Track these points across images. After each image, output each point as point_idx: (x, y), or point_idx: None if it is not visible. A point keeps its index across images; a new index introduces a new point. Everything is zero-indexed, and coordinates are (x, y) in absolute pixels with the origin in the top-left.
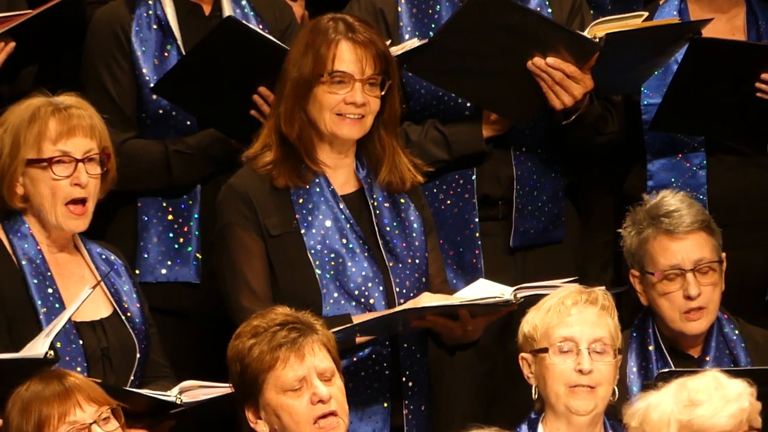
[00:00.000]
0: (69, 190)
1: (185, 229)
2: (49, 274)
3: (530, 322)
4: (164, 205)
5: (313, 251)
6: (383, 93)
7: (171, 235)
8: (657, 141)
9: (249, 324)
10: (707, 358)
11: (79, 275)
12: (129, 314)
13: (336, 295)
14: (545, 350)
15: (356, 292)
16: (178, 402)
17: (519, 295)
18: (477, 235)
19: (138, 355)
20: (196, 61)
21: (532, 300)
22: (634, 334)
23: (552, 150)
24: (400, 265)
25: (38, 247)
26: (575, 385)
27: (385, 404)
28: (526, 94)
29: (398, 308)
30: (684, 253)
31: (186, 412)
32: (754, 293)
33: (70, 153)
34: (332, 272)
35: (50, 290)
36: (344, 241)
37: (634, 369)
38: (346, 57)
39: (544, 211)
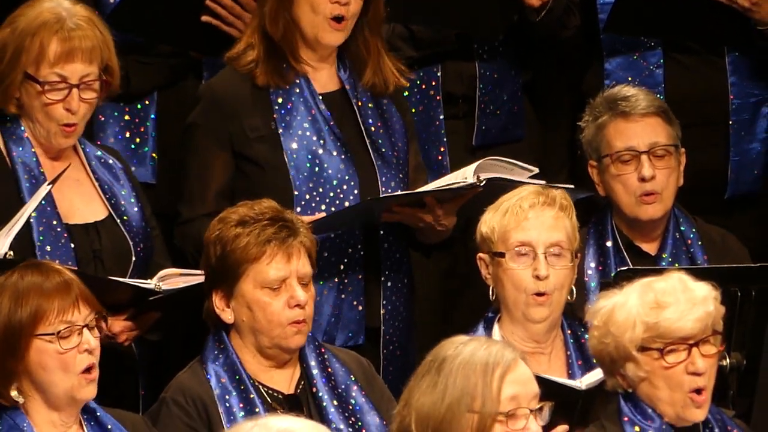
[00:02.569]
0: (61, 113)
1: (141, 129)
2: (42, 177)
3: (488, 223)
4: (120, 104)
5: (289, 152)
6: None
7: (127, 135)
8: (613, 40)
9: (235, 211)
10: (664, 255)
11: (74, 179)
12: (126, 218)
13: (308, 197)
14: (502, 255)
15: (330, 194)
16: (157, 289)
17: (482, 177)
18: (442, 132)
19: (134, 258)
20: None
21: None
22: (592, 231)
23: (512, 49)
24: (387, 165)
25: (33, 150)
26: (532, 292)
27: (360, 307)
28: (497, 7)
29: (360, 202)
30: (639, 136)
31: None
32: (712, 193)
33: (67, 78)
34: (306, 173)
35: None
36: (322, 142)
37: (592, 265)
38: None
39: (505, 109)
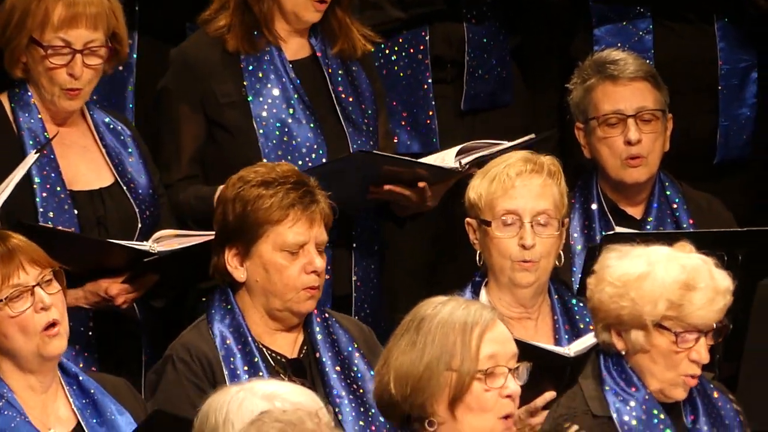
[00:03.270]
0: (64, 78)
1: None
2: (45, 142)
3: (475, 190)
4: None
5: (258, 119)
6: None
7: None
8: (603, 7)
9: (255, 171)
10: (649, 219)
11: (81, 145)
12: (133, 185)
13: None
14: (488, 223)
15: (299, 163)
16: (152, 251)
17: (464, 162)
18: (431, 95)
19: (139, 225)
20: None
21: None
22: (578, 194)
23: (501, 12)
24: (357, 132)
25: (39, 116)
26: (518, 260)
27: (327, 276)
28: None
29: (352, 154)
30: (627, 100)
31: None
32: (702, 159)
33: (71, 43)
34: (275, 141)
35: (46, 159)
36: (291, 110)
37: (577, 228)
38: None
39: (494, 74)
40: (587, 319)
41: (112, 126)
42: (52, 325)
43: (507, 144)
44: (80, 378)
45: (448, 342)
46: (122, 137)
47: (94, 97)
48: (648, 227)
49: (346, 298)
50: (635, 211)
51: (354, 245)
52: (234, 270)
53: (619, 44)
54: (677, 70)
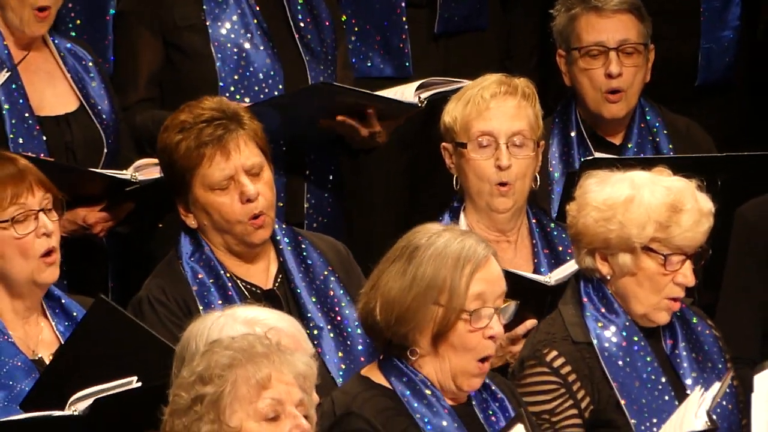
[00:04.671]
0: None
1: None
2: (15, 70)
3: (450, 113)
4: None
5: (216, 43)
6: None
7: (84, 38)
8: None
9: (177, 117)
10: (629, 145)
11: (45, 71)
12: (97, 109)
13: (232, 89)
14: (464, 145)
15: (255, 88)
16: (133, 179)
17: (423, 96)
18: (404, 19)
19: (105, 150)
20: None
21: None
22: (557, 120)
23: None
24: (316, 60)
25: (4, 43)
26: (495, 183)
27: (280, 204)
28: None
29: (309, 85)
30: (609, 32)
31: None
32: (683, 82)
33: None
34: (231, 66)
35: (14, 85)
36: (249, 35)
37: (556, 155)
38: None
39: None
40: (566, 243)
41: (73, 51)
42: (49, 252)
43: (467, 82)
44: (63, 301)
45: (439, 276)
46: (84, 62)
47: (77, 22)
48: (628, 153)
49: (299, 226)
50: (615, 138)
51: (307, 172)
52: (185, 218)
53: None
54: None
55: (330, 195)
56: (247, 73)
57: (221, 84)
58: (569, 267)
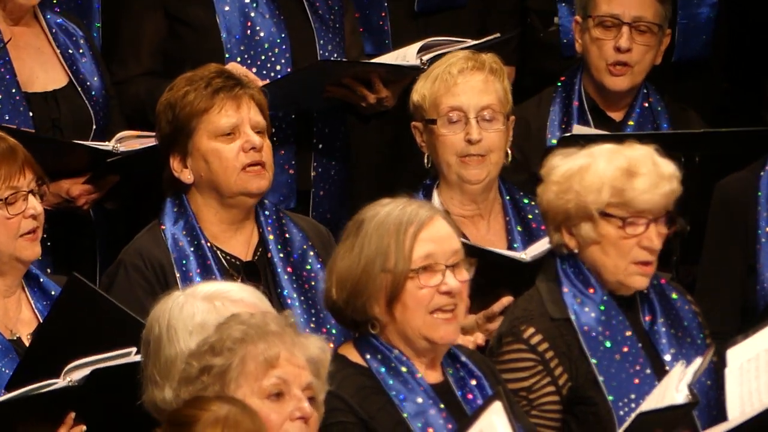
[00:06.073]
0: None
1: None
2: (2, 44)
3: (419, 92)
4: None
5: (221, 14)
6: None
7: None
8: None
9: (182, 77)
10: (630, 123)
11: (35, 47)
12: (87, 85)
13: (239, 60)
14: (434, 121)
15: (262, 57)
16: (115, 151)
17: (425, 59)
18: None
19: (94, 127)
20: None
21: None
22: (560, 89)
23: None
24: (325, 27)
25: None
26: (466, 155)
27: (291, 171)
28: None
29: (313, 63)
30: (627, 6)
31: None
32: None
33: None
34: (237, 36)
35: (2, 61)
36: (254, 4)
37: (555, 122)
38: None
39: None
40: (539, 219)
41: (64, 27)
42: (32, 231)
43: (471, 42)
44: (41, 280)
45: (383, 243)
46: (75, 38)
47: None
48: (627, 131)
49: (306, 194)
50: (616, 115)
51: (314, 140)
52: (180, 174)
53: None
54: None
55: (337, 164)
56: (252, 43)
57: (227, 55)
58: (544, 243)
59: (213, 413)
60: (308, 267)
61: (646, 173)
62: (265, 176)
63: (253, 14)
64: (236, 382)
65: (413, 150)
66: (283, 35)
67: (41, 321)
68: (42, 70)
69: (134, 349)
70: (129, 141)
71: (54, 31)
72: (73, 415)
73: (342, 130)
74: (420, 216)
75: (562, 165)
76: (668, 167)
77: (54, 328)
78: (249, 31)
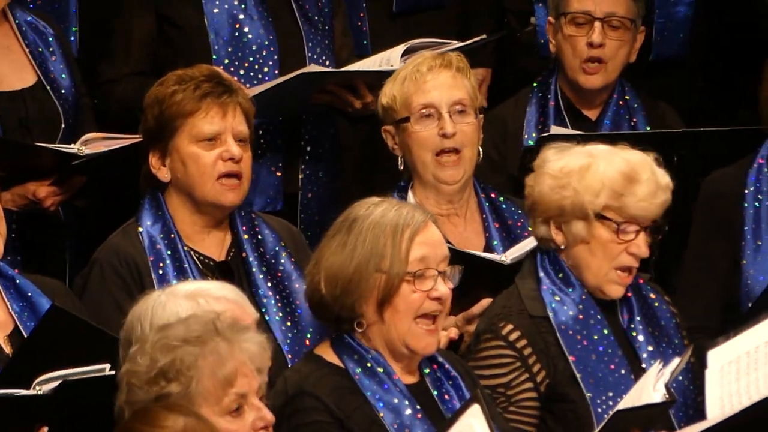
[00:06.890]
0: None
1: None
2: None
3: (387, 94)
4: None
5: (209, 15)
6: None
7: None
8: None
9: (174, 74)
10: (606, 122)
11: (3, 45)
12: (56, 85)
13: (227, 62)
14: (407, 119)
15: (250, 59)
16: (80, 153)
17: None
18: None
19: (63, 126)
20: None
21: None
22: (536, 89)
23: None
24: (314, 30)
25: None
26: (441, 151)
27: (278, 173)
28: None
29: (294, 73)
30: (598, 2)
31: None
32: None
33: None
34: (225, 38)
35: None
36: (243, 6)
37: (532, 123)
38: None
39: None
40: (515, 216)
41: (34, 25)
42: None
43: (456, 43)
44: (17, 281)
45: (379, 244)
46: (45, 36)
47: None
48: (603, 130)
49: (294, 196)
50: (592, 113)
51: (302, 143)
52: (158, 171)
53: None
54: None
55: (326, 165)
56: (241, 45)
57: (214, 57)
58: (525, 245)
59: (170, 430)
60: (281, 268)
61: (647, 180)
62: (240, 190)
63: (241, 16)
64: (196, 404)
65: (385, 153)
66: (271, 37)
67: (17, 324)
68: (10, 69)
69: (107, 366)
70: (95, 143)
71: (24, 29)
72: (45, 429)
73: (331, 132)
74: (416, 219)
75: (558, 159)
76: (665, 178)
77: (29, 352)
78: (237, 33)
